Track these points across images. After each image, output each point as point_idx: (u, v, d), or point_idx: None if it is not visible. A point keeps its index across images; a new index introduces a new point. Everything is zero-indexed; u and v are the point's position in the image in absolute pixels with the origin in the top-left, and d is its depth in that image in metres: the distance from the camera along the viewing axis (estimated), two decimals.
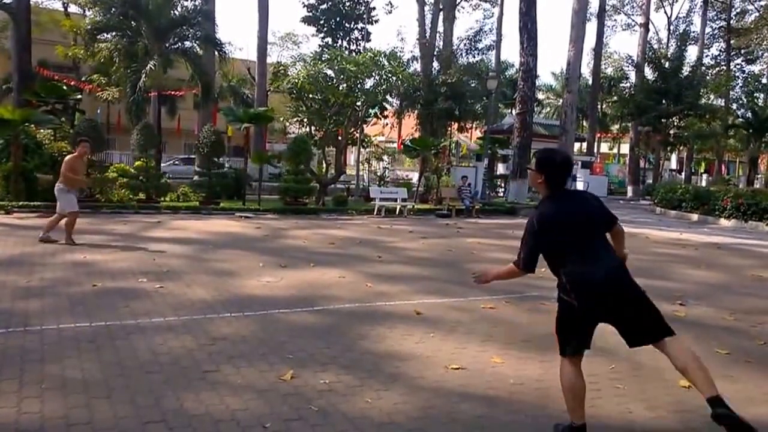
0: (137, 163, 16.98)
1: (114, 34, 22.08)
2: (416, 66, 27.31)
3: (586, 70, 39.47)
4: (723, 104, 40.05)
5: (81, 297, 6.12)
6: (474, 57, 31.10)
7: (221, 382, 4.00)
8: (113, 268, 7.70)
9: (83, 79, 28.81)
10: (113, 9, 20.75)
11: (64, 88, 22.78)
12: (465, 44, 31.64)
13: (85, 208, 14.48)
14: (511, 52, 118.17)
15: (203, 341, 4.83)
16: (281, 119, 27.20)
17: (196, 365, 4.28)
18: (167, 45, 21.38)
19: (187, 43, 22.61)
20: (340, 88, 19.20)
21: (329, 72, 19.33)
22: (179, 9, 23.00)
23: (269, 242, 11.03)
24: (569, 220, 3.25)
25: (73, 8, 32.51)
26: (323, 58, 19.88)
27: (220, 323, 5.39)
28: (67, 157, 9.94)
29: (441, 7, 28.44)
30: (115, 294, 6.30)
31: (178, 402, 3.65)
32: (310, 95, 19.65)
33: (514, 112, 26.09)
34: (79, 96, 24.87)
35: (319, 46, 31.02)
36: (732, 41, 42.18)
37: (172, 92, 28.47)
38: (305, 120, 21.52)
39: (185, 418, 3.45)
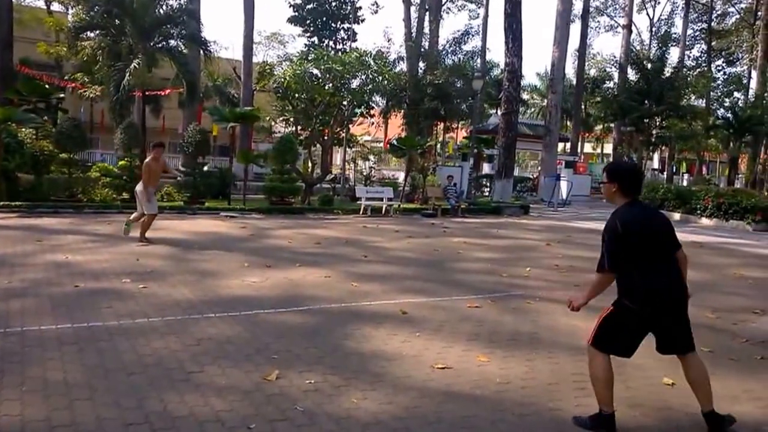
0: (121, 162, 16.81)
1: (97, 32, 21.83)
2: (402, 66, 27.35)
3: (570, 71, 39.78)
4: (704, 105, 40.55)
5: (63, 298, 6.04)
6: (460, 58, 31.18)
7: (206, 383, 3.97)
8: (96, 268, 7.61)
9: (66, 77, 28.45)
10: (97, 7, 20.50)
11: (47, 86, 22.52)
12: (451, 45, 31.72)
13: (68, 208, 14.36)
14: (497, 52, 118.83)
15: (188, 342, 4.79)
16: (267, 118, 27.08)
17: (181, 366, 4.25)
18: (152, 44, 21.17)
19: (172, 42, 22.40)
20: (327, 87, 19.15)
21: (315, 71, 19.27)
22: (164, 7, 22.74)
23: (254, 242, 10.97)
24: (650, 225, 3.51)
25: (55, 6, 32.13)
26: (309, 58, 19.81)
27: (204, 324, 5.35)
28: (145, 161, 10.55)
29: (427, 7, 28.51)
30: (98, 295, 6.22)
31: (162, 403, 3.62)
32: (296, 94, 19.58)
33: (499, 112, 26.22)
34: (62, 95, 24.61)
35: (305, 45, 30.97)
36: (713, 43, 42.74)
37: (157, 91, 28.21)
38: (291, 119, 21.46)
39: (169, 419, 3.42)
